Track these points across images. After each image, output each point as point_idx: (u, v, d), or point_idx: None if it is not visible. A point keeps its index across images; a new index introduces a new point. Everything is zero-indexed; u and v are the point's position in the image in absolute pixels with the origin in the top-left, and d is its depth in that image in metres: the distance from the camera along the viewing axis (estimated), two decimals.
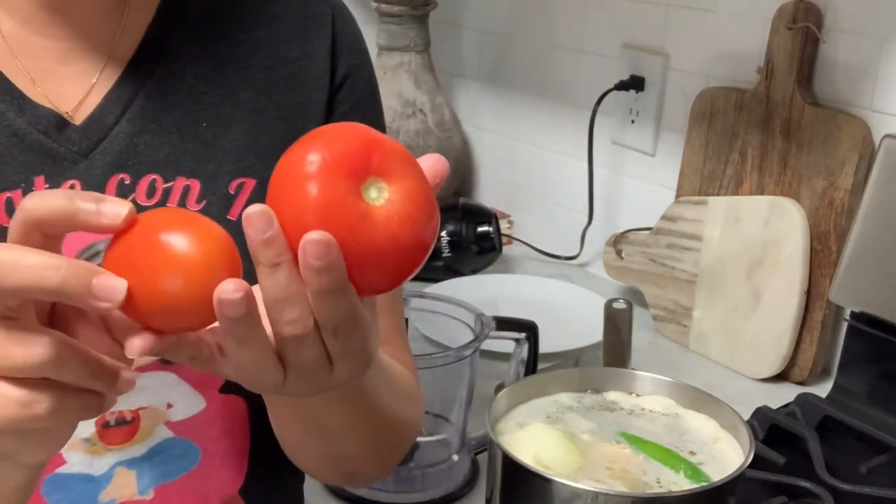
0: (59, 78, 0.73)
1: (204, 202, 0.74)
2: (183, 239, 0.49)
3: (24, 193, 0.70)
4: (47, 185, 0.70)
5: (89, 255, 0.71)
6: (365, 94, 0.82)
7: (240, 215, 0.74)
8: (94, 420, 0.74)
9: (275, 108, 0.77)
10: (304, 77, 0.79)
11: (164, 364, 0.74)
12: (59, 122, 0.71)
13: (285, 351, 0.52)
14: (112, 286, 0.48)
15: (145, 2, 0.75)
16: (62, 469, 0.74)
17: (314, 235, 0.47)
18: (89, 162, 0.71)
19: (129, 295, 0.48)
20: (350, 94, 0.81)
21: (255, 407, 0.80)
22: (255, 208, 0.48)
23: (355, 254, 0.48)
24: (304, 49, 0.79)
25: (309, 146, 0.48)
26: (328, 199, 0.47)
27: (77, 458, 0.74)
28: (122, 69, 0.74)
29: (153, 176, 0.73)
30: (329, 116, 0.80)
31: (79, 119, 0.72)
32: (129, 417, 0.75)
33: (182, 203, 0.74)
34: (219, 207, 0.74)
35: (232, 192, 0.75)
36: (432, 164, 0.53)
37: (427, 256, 0.51)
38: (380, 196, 0.48)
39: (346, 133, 0.49)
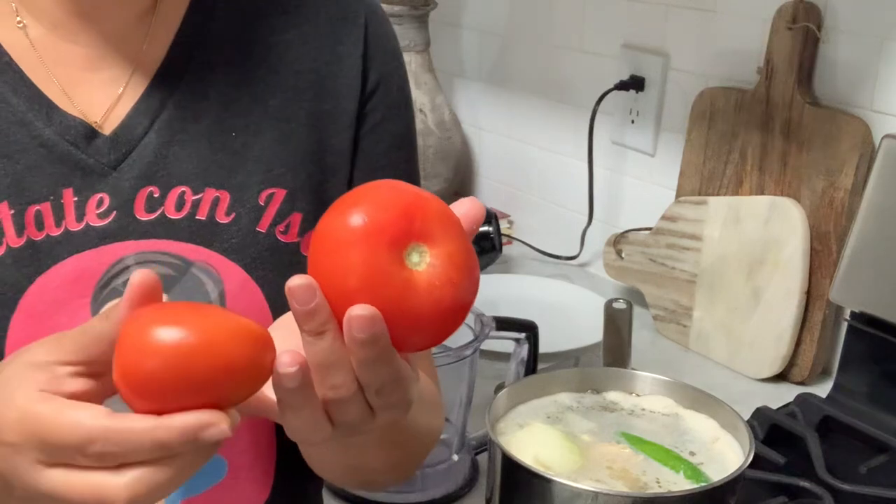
0: (87, 86, 0.71)
1: (233, 214, 0.73)
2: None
3: (53, 206, 0.69)
4: (76, 198, 0.69)
5: (118, 270, 0.71)
6: (398, 100, 0.80)
7: (269, 227, 0.74)
8: None
9: (304, 115, 0.76)
10: (334, 83, 0.77)
11: None
12: (89, 133, 0.70)
13: (330, 410, 0.53)
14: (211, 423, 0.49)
15: (173, 7, 0.74)
16: None
17: (359, 311, 0.48)
18: (118, 174, 0.70)
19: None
20: (382, 101, 0.79)
21: None
22: (298, 280, 0.49)
23: (399, 321, 0.49)
24: (335, 53, 0.77)
25: (350, 210, 0.49)
26: (372, 269, 0.48)
27: None
28: (150, 77, 0.73)
29: (182, 188, 0.72)
30: (360, 125, 0.78)
31: (107, 129, 0.71)
32: None
33: (212, 215, 0.72)
34: (248, 219, 0.73)
35: (262, 204, 0.74)
36: (468, 211, 0.53)
37: (468, 313, 0.52)
38: (421, 261, 0.49)
39: (389, 197, 0.50)
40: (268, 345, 0.51)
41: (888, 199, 1.07)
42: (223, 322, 0.50)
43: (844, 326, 1.15)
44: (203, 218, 0.72)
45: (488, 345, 1.01)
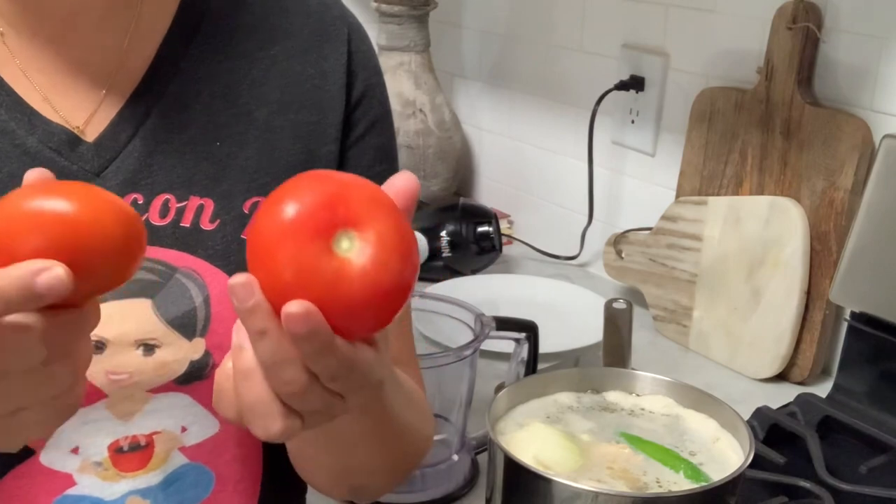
0: (68, 92, 0.71)
1: (218, 221, 0.73)
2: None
3: None
4: None
5: None
6: (380, 114, 0.81)
7: None
8: (106, 445, 0.73)
9: (290, 126, 0.76)
10: (319, 96, 0.78)
11: (180, 385, 0.73)
12: (72, 140, 0.70)
13: (293, 404, 0.53)
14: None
15: (157, 11, 0.74)
16: (72, 490, 0.72)
17: (293, 308, 0.48)
18: (102, 181, 0.70)
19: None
20: (365, 115, 0.80)
21: None
22: (237, 279, 0.49)
23: (337, 309, 0.49)
24: (319, 67, 0.78)
25: (276, 206, 0.49)
26: (301, 263, 0.48)
27: (89, 480, 0.73)
28: (134, 84, 0.73)
29: (167, 195, 0.72)
30: (345, 138, 0.79)
31: (90, 135, 0.71)
32: (143, 443, 0.74)
33: (196, 222, 0.73)
34: (233, 227, 0.74)
35: (246, 212, 0.74)
36: (402, 186, 0.53)
37: (410, 294, 0.51)
38: (352, 247, 0.49)
39: (311, 187, 0.49)
40: (140, 229, 0.51)
41: (888, 199, 1.07)
42: (98, 196, 0.50)
43: (844, 326, 1.15)
44: (187, 225, 0.72)
45: (488, 345, 1.01)
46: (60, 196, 0.49)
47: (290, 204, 0.49)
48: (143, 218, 0.71)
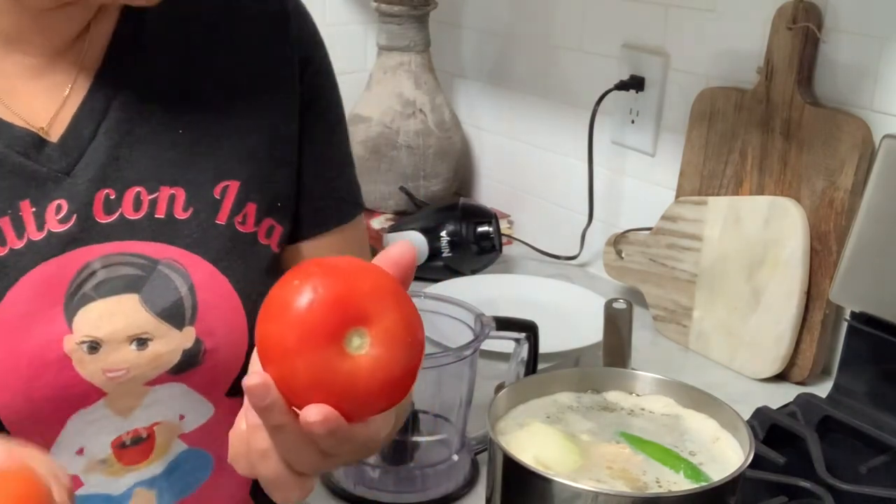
0: (31, 93, 0.72)
1: (191, 209, 0.74)
2: None
3: (13, 220, 0.69)
4: (34, 209, 0.70)
5: (85, 276, 0.71)
6: (329, 84, 0.83)
7: (228, 219, 0.75)
8: (109, 442, 0.73)
9: (246, 107, 0.77)
10: (271, 75, 0.79)
11: (174, 375, 0.74)
12: (37, 142, 0.71)
13: (306, 472, 0.56)
14: None
15: (109, 13, 0.75)
16: (80, 491, 0.73)
17: (312, 417, 0.50)
18: (73, 179, 0.71)
19: None
20: (320, 90, 0.82)
21: None
22: (253, 379, 0.51)
23: (350, 406, 0.52)
24: (271, 48, 0.79)
25: (286, 310, 0.51)
26: (317, 368, 0.50)
27: (95, 479, 0.74)
28: (91, 80, 0.73)
29: (137, 188, 0.73)
30: (303, 115, 0.80)
31: (54, 135, 0.71)
32: (144, 435, 0.74)
33: (170, 212, 0.73)
34: (207, 213, 0.75)
35: (217, 197, 0.75)
36: (399, 256, 0.55)
37: (417, 373, 0.54)
38: (362, 344, 0.51)
39: (316, 286, 0.51)
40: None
41: (888, 199, 1.07)
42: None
43: (844, 326, 1.15)
44: (162, 216, 0.73)
45: (488, 345, 1.01)
46: None
47: (302, 306, 0.50)
48: (118, 213, 0.72)
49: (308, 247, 0.82)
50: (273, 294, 0.52)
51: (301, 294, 0.51)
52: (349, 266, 0.53)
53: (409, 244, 0.56)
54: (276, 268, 0.79)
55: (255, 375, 0.51)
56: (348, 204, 0.85)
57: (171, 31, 0.76)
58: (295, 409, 0.52)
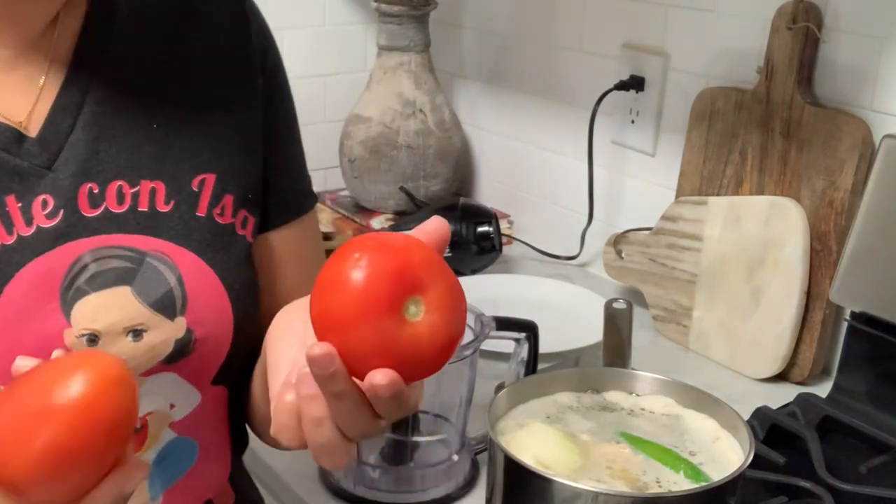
0: (5, 87, 0.72)
1: (172, 202, 0.75)
2: None
3: (0, 216, 0.69)
4: (20, 204, 0.70)
5: (77, 270, 0.71)
6: (283, 80, 0.86)
7: (207, 211, 0.76)
8: None
9: (215, 102, 0.79)
10: (237, 67, 0.81)
11: (166, 365, 0.75)
12: (17, 137, 0.71)
13: (355, 437, 0.59)
14: None
15: (79, 5, 0.75)
16: None
17: (380, 381, 0.53)
18: (55, 174, 0.71)
19: None
20: (276, 80, 0.84)
21: (234, 395, 0.83)
22: (317, 349, 0.53)
23: (410, 369, 0.55)
24: (232, 42, 0.81)
25: (347, 283, 0.54)
26: (381, 336, 0.54)
27: None
28: (64, 73, 0.74)
29: (119, 182, 0.73)
30: (266, 105, 0.82)
31: (33, 129, 0.72)
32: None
33: (152, 205, 0.74)
34: (187, 206, 0.76)
35: (196, 189, 0.76)
36: (435, 231, 0.58)
37: (462, 340, 0.58)
38: (418, 311, 0.55)
39: (374, 260, 0.54)
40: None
41: (888, 199, 1.07)
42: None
43: (844, 326, 1.15)
44: (145, 209, 0.74)
45: (488, 345, 1.01)
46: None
47: (364, 278, 0.54)
48: (103, 207, 0.73)
49: (275, 236, 0.85)
50: (330, 269, 0.55)
51: (361, 267, 0.54)
52: (399, 240, 0.56)
53: (442, 220, 0.59)
54: (251, 257, 0.80)
55: (318, 346, 0.53)
56: (307, 194, 0.88)
57: (138, 24, 0.77)
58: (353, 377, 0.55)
